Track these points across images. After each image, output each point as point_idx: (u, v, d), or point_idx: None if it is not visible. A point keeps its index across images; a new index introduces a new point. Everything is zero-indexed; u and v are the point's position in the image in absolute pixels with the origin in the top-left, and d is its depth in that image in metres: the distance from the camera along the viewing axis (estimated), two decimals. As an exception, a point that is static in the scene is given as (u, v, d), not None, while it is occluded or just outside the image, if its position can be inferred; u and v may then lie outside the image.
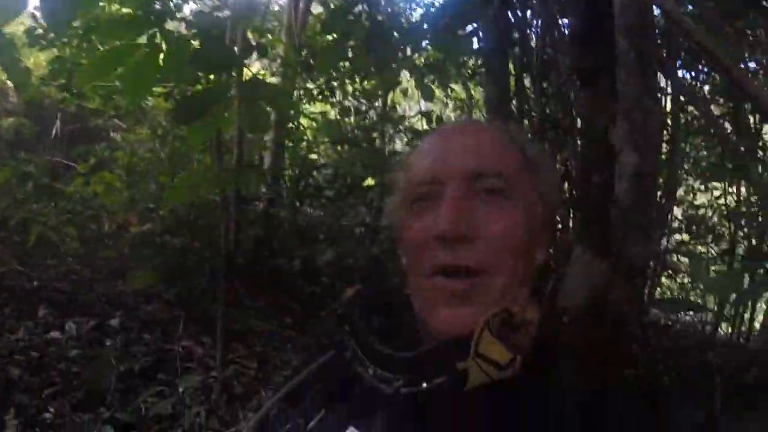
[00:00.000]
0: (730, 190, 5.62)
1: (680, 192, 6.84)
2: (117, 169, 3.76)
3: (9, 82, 3.66)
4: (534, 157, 0.87)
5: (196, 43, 1.67)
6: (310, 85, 4.49)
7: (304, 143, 3.94)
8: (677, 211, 6.64)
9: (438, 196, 0.79)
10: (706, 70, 3.95)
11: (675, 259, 6.51)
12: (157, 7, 1.73)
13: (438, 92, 5.44)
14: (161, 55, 1.55)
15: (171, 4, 1.79)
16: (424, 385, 0.70)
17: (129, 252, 3.62)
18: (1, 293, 4.10)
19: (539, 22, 2.00)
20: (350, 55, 1.98)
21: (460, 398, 0.70)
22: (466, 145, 0.82)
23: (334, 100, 4.26)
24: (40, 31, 3.57)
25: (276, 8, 6.60)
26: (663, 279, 6.96)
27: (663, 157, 2.42)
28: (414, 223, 0.81)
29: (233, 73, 2.42)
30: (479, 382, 0.69)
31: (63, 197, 3.92)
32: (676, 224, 6.14)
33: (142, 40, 1.59)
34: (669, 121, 2.09)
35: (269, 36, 5.99)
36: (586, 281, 1.28)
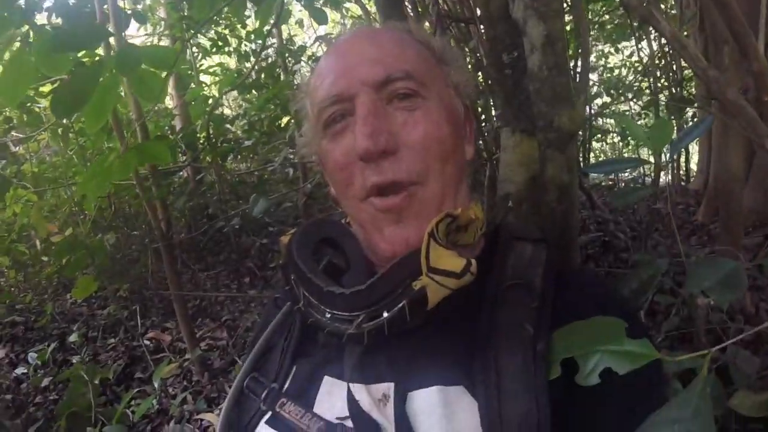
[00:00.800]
0: (640, 46, 5.73)
1: (592, 58, 6.98)
2: (27, 182, 3.52)
3: None
4: (440, 50, 0.82)
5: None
6: (201, 40, 4.26)
7: (210, 100, 3.77)
8: (594, 77, 6.79)
9: (351, 113, 0.73)
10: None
11: (600, 122, 6.71)
12: (21, 3, 1.59)
13: (334, 15, 5.25)
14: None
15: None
16: (386, 314, 0.66)
17: (64, 263, 3.44)
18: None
19: None
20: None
21: (426, 317, 0.66)
22: (366, 52, 0.75)
23: (230, 48, 4.06)
24: None
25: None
26: (594, 144, 7.20)
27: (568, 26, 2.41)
28: (334, 148, 0.75)
29: (108, 48, 2.25)
30: (440, 297, 0.65)
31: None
32: (594, 90, 6.28)
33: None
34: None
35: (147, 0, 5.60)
36: (521, 162, 1.26)
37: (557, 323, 0.66)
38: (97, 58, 1.42)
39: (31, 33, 1.53)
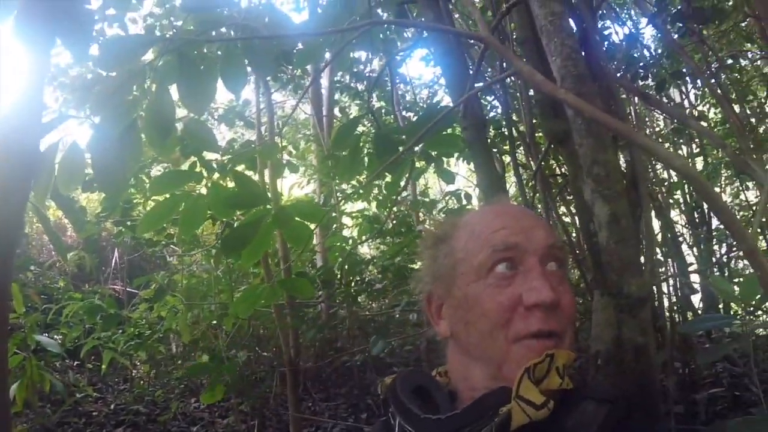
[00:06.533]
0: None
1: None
2: (177, 292, 3.96)
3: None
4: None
5: (231, 184, 2.02)
6: (344, 186, 4.75)
7: (350, 241, 4.16)
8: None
9: (517, 265, 0.88)
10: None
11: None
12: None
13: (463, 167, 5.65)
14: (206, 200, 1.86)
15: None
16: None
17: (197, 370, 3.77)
18: (80, 418, 4.42)
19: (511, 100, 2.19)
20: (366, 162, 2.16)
21: None
22: (534, 219, 0.95)
23: (370, 196, 4.49)
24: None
25: (303, 116, 7.15)
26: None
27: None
28: (497, 293, 0.88)
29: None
30: (521, 421, 0.78)
31: (129, 324, 4.18)
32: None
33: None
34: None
35: (301, 145, 6.42)
36: (608, 322, 1.37)
37: None
38: (260, 209, 1.80)
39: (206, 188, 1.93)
